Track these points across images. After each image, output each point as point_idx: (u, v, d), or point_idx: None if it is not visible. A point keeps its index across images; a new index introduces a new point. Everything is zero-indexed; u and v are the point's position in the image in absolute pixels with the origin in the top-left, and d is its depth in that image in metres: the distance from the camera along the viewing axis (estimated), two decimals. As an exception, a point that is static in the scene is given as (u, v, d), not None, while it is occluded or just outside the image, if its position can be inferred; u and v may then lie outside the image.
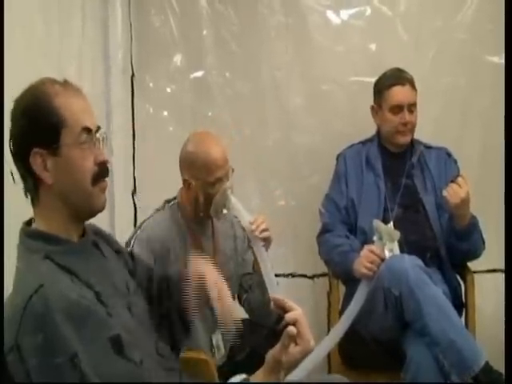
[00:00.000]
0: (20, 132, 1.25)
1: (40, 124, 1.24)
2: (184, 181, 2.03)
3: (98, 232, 1.41)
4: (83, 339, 1.13)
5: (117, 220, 2.64)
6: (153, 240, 1.95)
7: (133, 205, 2.78)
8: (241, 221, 2.02)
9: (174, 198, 2.10)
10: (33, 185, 1.26)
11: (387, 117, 2.48)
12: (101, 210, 1.32)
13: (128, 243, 1.96)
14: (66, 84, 1.29)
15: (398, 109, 2.45)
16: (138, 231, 2.00)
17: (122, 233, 2.48)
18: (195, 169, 1.98)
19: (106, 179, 1.32)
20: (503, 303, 2.72)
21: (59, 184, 1.25)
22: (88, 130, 1.27)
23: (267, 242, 1.98)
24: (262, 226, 1.95)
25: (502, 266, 2.77)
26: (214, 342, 2.07)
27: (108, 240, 1.43)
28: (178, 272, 1.56)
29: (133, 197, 2.79)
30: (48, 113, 1.24)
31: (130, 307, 1.35)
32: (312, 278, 2.86)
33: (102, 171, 1.30)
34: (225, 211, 1.99)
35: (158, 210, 2.08)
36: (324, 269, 2.64)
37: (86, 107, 1.30)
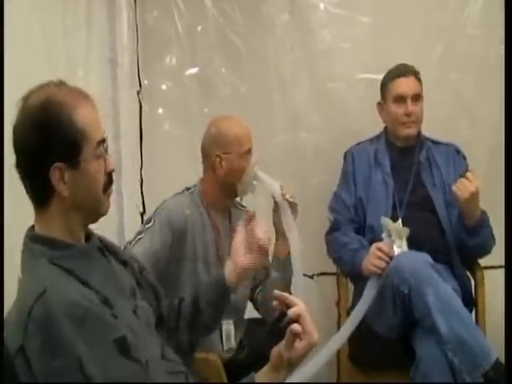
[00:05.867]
0: (38, 145, 1.22)
1: (62, 139, 1.23)
2: (213, 161, 2.08)
3: (104, 241, 1.41)
4: (88, 341, 1.13)
5: (126, 219, 2.65)
6: (173, 220, 2.01)
7: (142, 204, 2.79)
8: (268, 186, 2.07)
9: (194, 186, 2.14)
10: (44, 194, 1.25)
11: (391, 108, 2.47)
12: (106, 214, 1.34)
13: (149, 220, 2.02)
14: (79, 92, 1.28)
15: (401, 99, 2.44)
16: (159, 209, 2.04)
17: (130, 232, 2.49)
18: (228, 142, 2.07)
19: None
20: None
21: (74, 195, 1.25)
22: (102, 142, 1.28)
23: (294, 209, 2.04)
24: (291, 192, 2.05)
25: (512, 261, 2.77)
26: (224, 329, 2.08)
27: (115, 250, 1.43)
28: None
29: (142, 195, 2.80)
30: (70, 127, 1.23)
31: (135, 310, 1.35)
32: (315, 275, 2.85)
33: (111, 180, 1.33)
34: (254, 182, 2.07)
35: (177, 193, 2.12)
36: (333, 267, 2.62)
37: (98, 117, 1.30)
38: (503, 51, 2.59)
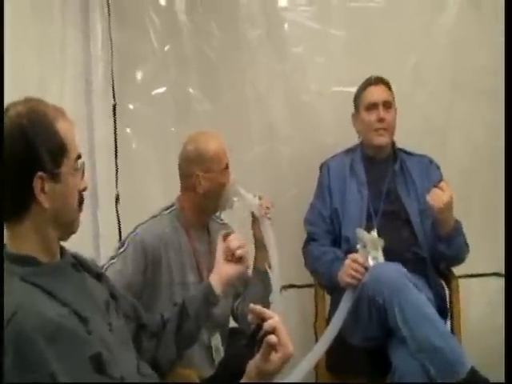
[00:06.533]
0: (23, 154, 1.23)
1: (45, 148, 1.24)
2: (193, 181, 2.07)
3: (78, 257, 1.42)
4: (62, 359, 1.13)
5: (101, 233, 2.64)
6: (147, 245, 1.99)
7: (117, 220, 2.77)
8: (248, 202, 2.09)
9: (171, 206, 2.12)
10: (22, 206, 1.25)
11: (364, 117, 2.52)
12: (76, 231, 1.35)
13: (122, 245, 2.00)
14: (59, 108, 1.31)
15: (373, 106, 2.49)
16: (132, 234, 2.02)
17: (106, 248, 2.48)
18: (208, 161, 2.07)
19: None
20: (490, 308, 2.75)
21: (53, 208, 1.26)
22: (78, 158, 1.31)
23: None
24: (268, 205, 2.09)
25: (487, 270, 2.81)
26: (213, 344, 2.08)
27: (88, 265, 1.43)
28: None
29: (117, 213, 2.78)
30: (53, 136, 1.25)
31: (110, 325, 1.35)
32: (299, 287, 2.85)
33: (83, 197, 1.34)
34: (235, 199, 2.08)
35: (154, 216, 2.09)
36: (311, 279, 2.63)
37: (74, 133, 1.31)
38: (477, 60, 2.67)
